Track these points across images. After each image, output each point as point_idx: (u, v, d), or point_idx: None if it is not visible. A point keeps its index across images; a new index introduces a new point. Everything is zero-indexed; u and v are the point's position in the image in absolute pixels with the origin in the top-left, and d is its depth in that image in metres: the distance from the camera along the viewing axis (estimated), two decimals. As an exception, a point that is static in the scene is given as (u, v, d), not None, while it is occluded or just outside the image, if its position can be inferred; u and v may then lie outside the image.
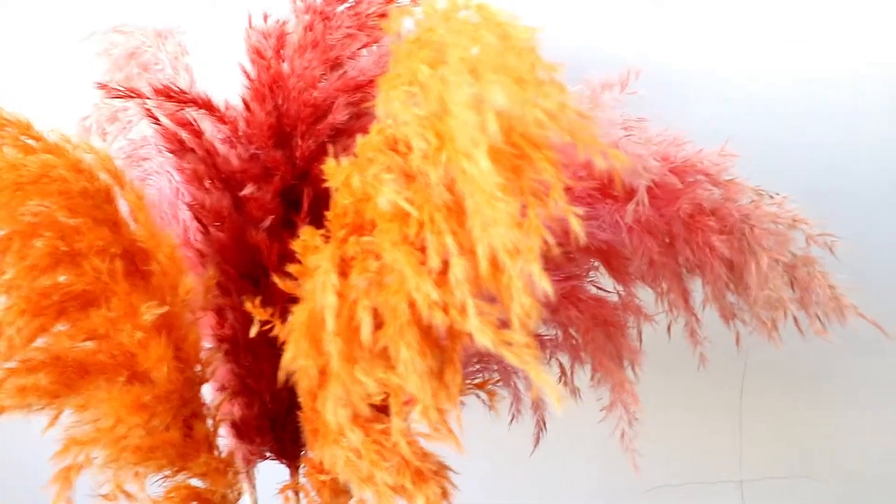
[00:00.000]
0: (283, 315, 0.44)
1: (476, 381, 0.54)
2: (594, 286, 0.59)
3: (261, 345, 0.56)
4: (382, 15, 0.57)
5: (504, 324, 0.36)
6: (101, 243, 0.49)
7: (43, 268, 0.48)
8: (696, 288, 0.55)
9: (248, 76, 0.58)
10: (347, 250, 0.39)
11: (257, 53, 0.58)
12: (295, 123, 0.57)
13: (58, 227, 0.49)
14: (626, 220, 0.49)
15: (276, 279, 0.45)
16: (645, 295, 0.56)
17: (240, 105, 0.59)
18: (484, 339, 0.34)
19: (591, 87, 0.50)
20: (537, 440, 0.65)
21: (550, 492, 0.93)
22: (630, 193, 0.50)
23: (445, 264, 0.35)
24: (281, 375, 0.37)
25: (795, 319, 0.50)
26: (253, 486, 0.66)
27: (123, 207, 0.52)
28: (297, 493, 0.59)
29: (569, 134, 0.33)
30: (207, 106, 0.57)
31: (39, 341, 0.49)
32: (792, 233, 0.50)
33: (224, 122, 0.58)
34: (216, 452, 0.55)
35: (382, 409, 0.43)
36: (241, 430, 0.61)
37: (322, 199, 0.46)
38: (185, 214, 0.62)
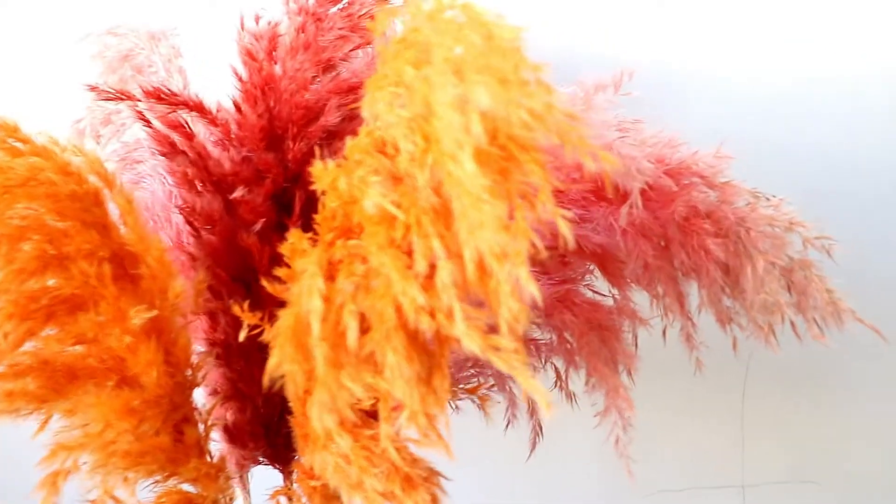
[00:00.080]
0: (273, 319, 0.44)
1: (469, 386, 0.54)
2: (590, 290, 0.58)
3: (253, 349, 0.55)
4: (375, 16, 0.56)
5: (493, 329, 0.35)
6: (90, 247, 0.48)
7: (31, 271, 0.48)
8: (693, 292, 0.54)
9: (239, 78, 0.58)
10: (334, 254, 0.39)
11: (249, 55, 0.58)
12: (286, 126, 0.57)
13: (46, 230, 0.48)
14: (619, 223, 0.48)
15: (264, 283, 0.44)
16: (641, 299, 0.55)
17: (232, 107, 0.58)
18: (471, 344, 0.34)
19: (585, 89, 0.49)
20: (534, 445, 0.65)
21: (550, 496, 0.92)
22: (625, 196, 0.50)
23: (432, 268, 0.35)
24: (265, 381, 0.37)
25: (793, 324, 0.50)
26: (247, 491, 0.65)
27: (113, 211, 0.52)
28: (289, 499, 0.58)
29: (557, 135, 0.33)
30: (199, 108, 0.57)
31: (28, 345, 0.49)
32: (789, 236, 0.49)
33: (216, 125, 0.58)
34: (207, 457, 0.55)
35: (372, 415, 0.43)
36: (233, 434, 0.60)
37: (314, 203, 0.45)
38: (178, 218, 0.61)
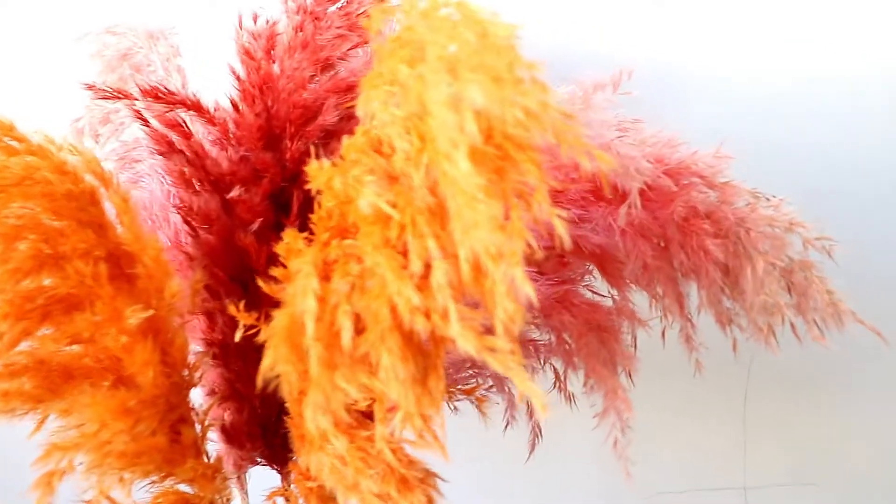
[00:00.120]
0: (269, 319, 0.44)
1: (467, 387, 0.53)
2: (589, 290, 0.58)
3: (250, 349, 0.55)
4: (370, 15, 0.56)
5: (489, 329, 0.35)
6: (85, 246, 0.48)
7: (26, 271, 0.48)
8: (693, 293, 0.54)
9: (237, 77, 0.58)
10: (329, 253, 0.38)
11: (247, 54, 0.58)
12: (284, 125, 0.56)
13: (42, 229, 0.48)
14: (618, 223, 0.48)
15: (260, 283, 0.44)
16: (640, 300, 0.55)
17: (230, 106, 0.58)
18: (466, 345, 0.34)
19: (584, 88, 0.49)
20: (533, 446, 0.65)
21: (549, 497, 0.92)
22: (624, 196, 0.49)
23: (428, 268, 0.35)
24: (259, 381, 0.37)
25: (793, 325, 0.49)
26: (245, 492, 0.65)
27: (110, 210, 0.52)
28: (286, 500, 0.58)
29: (552, 134, 0.32)
30: (196, 107, 0.57)
31: (23, 345, 0.49)
32: (789, 236, 0.49)
33: (213, 124, 0.57)
34: (204, 458, 0.55)
35: (368, 416, 0.43)
36: (230, 435, 0.60)
37: (312, 202, 0.45)
38: (177, 217, 0.61)
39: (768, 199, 0.49)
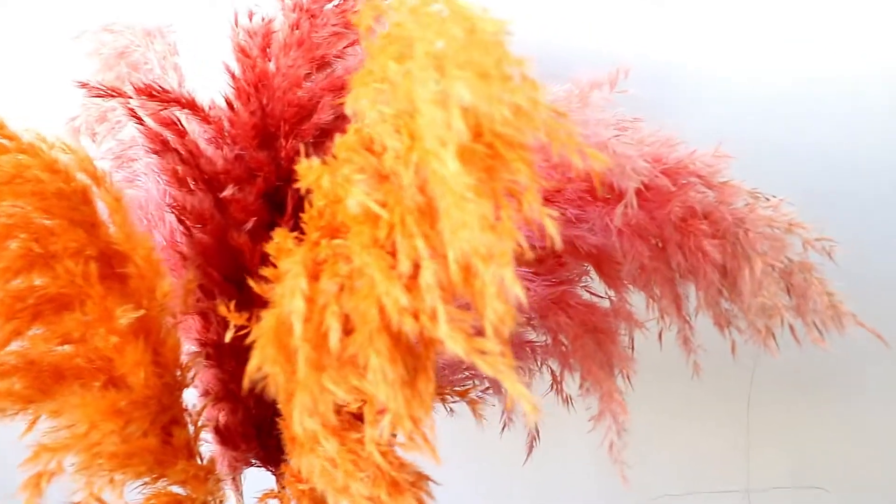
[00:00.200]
0: (260, 320, 0.43)
1: (460, 389, 0.53)
2: (587, 291, 0.57)
3: (244, 350, 0.54)
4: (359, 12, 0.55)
5: (481, 331, 0.34)
6: (76, 245, 0.47)
7: (17, 270, 0.47)
8: (692, 294, 0.53)
9: (232, 75, 0.57)
10: (319, 253, 0.38)
11: (242, 52, 0.57)
12: (279, 124, 0.56)
13: (33, 228, 0.48)
14: (614, 223, 0.47)
15: (251, 283, 0.43)
16: (638, 301, 0.54)
17: (225, 105, 0.58)
18: (455, 346, 0.33)
19: (580, 86, 0.48)
20: (530, 449, 0.64)
21: (549, 499, 0.92)
22: (621, 196, 0.49)
23: (417, 268, 0.34)
24: (245, 383, 0.36)
25: (791, 328, 0.48)
26: (240, 493, 0.64)
27: (104, 209, 0.51)
28: (279, 502, 0.57)
29: (544, 132, 0.32)
30: (191, 105, 0.56)
31: (14, 345, 0.48)
32: (788, 237, 0.48)
33: (208, 122, 0.57)
34: (197, 459, 0.54)
35: (359, 418, 0.42)
36: (225, 436, 0.60)
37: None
38: (172, 217, 0.61)
39: (767, 200, 0.48)
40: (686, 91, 0.77)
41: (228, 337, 0.45)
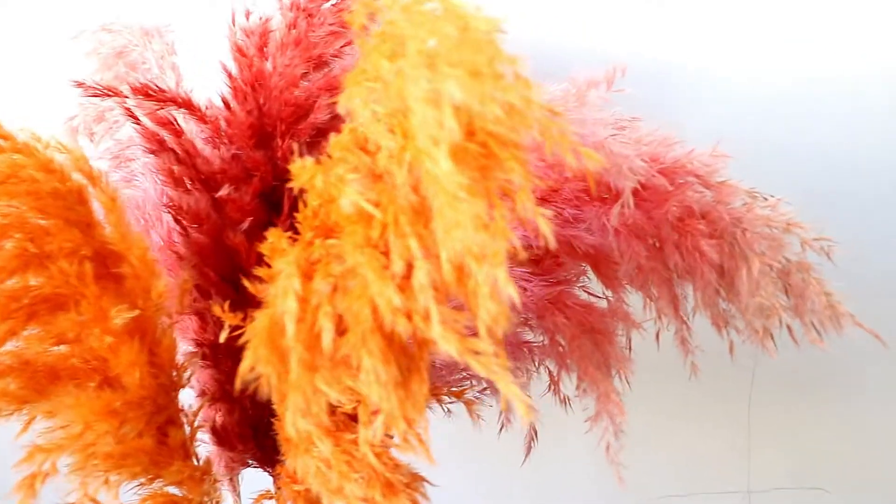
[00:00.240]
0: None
1: (456, 390, 0.53)
2: (585, 291, 0.57)
3: (241, 350, 0.54)
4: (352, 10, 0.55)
5: (475, 332, 0.34)
6: (71, 245, 0.47)
7: (12, 270, 0.47)
8: (690, 295, 0.53)
9: (229, 74, 0.57)
10: (313, 253, 0.38)
11: (239, 51, 0.57)
12: (276, 123, 0.56)
13: (28, 228, 0.48)
14: (611, 223, 0.47)
15: (245, 283, 0.43)
16: (635, 301, 0.54)
17: (222, 104, 0.58)
18: (448, 347, 0.33)
19: (577, 85, 0.48)
20: (529, 449, 0.64)
21: (548, 499, 0.91)
22: (619, 196, 0.48)
23: (410, 268, 0.34)
24: (237, 384, 0.36)
25: (789, 328, 0.48)
26: (237, 494, 0.64)
27: (100, 209, 0.51)
28: (277, 503, 0.57)
29: (537, 131, 0.31)
30: (187, 105, 0.56)
31: (9, 345, 0.48)
32: (787, 237, 0.48)
33: (205, 122, 0.57)
34: (194, 460, 0.54)
35: (354, 418, 0.42)
36: (221, 436, 0.60)
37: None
38: (170, 216, 0.60)
39: (765, 199, 0.48)
40: (686, 91, 0.77)
41: (223, 337, 0.45)
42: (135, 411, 0.49)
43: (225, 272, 0.56)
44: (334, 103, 0.56)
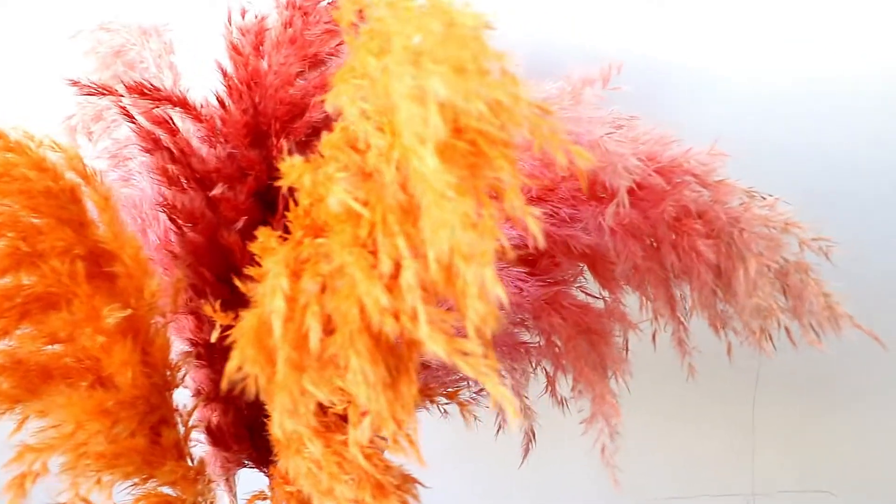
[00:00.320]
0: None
1: (450, 391, 0.52)
2: (582, 292, 0.56)
3: (236, 350, 0.54)
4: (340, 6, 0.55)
5: (464, 333, 0.33)
6: (63, 244, 0.47)
7: (4, 268, 0.47)
8: (688, 295, 0.53)
9: (224, 73, 0.57)
10: (302, 252, 0.37)
11: (235, 49, 0.57)
12: (271, 122, 0.55)
13: (20, 226, 0.47)
14: (606, 223, 0.46)
15: (237, 282, 0.43)
16: (633, 302, 0.54)
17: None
18: (436, 347, 0.32)
19: (573, 83, 0.47)
20: (526, 451, 0.63)
21: (548, 500, 0.91)
22: (615, 195, 0.48)
23: (398, 268, 0.33)
24: (223, 384, 0.36)
25: (787, 329, 0.47)
26: (234, 494, 0.64)
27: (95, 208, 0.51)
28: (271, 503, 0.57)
29: (527, 129, 0.31)
30: (182, 103, 0.56)
31: (1, 344, 0.48)
32: (785, 237, 0.47)
33: (200, 121, 0.57)
34: (188, 460, 0.54)
35: (346, 419, 0.41)
36: (217, 436, 0.59)
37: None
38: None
39: (763, 199, 0.48)
40: (686, 91, 0.77)
41: (214, 337, 0.44)
42: (127, 411, 0.48)
43: (220, 271, 0.56)
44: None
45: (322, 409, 0.42)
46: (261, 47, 0.57)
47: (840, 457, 0.86)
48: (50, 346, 0.49)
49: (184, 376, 0.53)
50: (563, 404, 0.58)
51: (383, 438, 0.40)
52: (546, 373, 0.58)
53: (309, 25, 0.57)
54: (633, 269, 0.48)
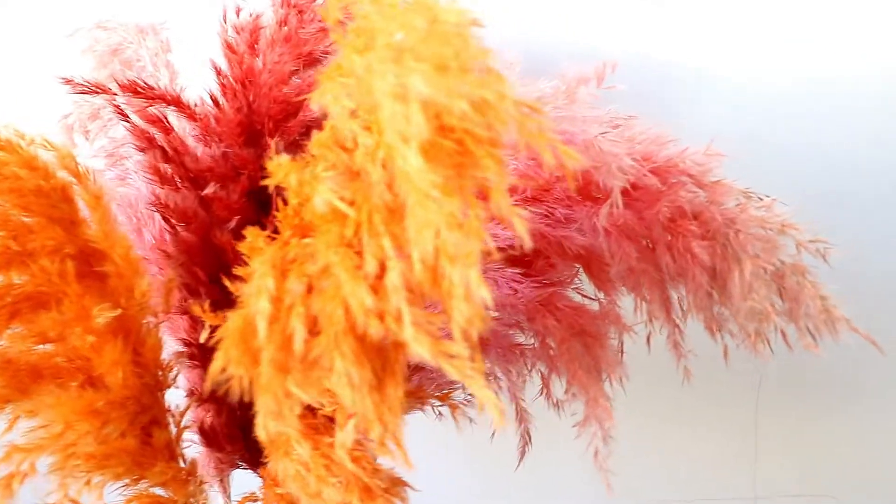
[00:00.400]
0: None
1: (440, 394, 0.52)
2: (578, 293, 0.56)
3: (228, 350, 0.53)
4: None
5: (450, 334, 0.33)
6: (54, 243, 0.47)
7: (-6, 268, 0.47)
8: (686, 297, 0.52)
9: (218, 71, 0.56)
10: (289, 252, 0.37)
11: (229, 48, 0.56)
12: (264, 121, 0.55)
13: (10, 225, 0.47)
14: (600, 223, 0.46)
15: (226, 282, 0.43)
16: (628, 304, 0.53)
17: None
18: (420, 349, 0.32)
19: (567, 82, 0.47)
20: (523, 453, 0.63)
21: (548, 500, 0.90)
22: (610, 195, 0.47)
23: (384, 269, 0.33)
24: (207, 386, 0.35)
25: (783, 332, 0.47)
26: (227, 495, 0.64)
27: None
28: (264, 505, 0.56)
29: (514, 128, 0.31)
30: (176, 102, 0.56)
31: (-7, 344, 0.48)
32: (781, 239, 0.47)
33: (195, 119, 0.56)
34: (180, 461, 0.53)
35: (334, 421, 0.41)
36: (210, 437, 0.59)
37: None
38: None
39: (760, 200, 0.47)
40: (685, 90, 0.76)
41: (203, 337, 0.44)
42: (117, 411, 0.48)
43: (213, 271, 0.55)
44: (324, 101, 0.55)
45: (311, 410, 0.42)
46: (255, 46, 0.57)
47: (840, 459, 0.85)
48: (40, 346, 0.49)
49: (176, 376, 0.53)
50: (558, 407, 0.57)
51: (372, 441, 0.39)
52: (541, 375, 0.57)
53: (304, 23, 0.56)
54: (629, 270, 0.48)
